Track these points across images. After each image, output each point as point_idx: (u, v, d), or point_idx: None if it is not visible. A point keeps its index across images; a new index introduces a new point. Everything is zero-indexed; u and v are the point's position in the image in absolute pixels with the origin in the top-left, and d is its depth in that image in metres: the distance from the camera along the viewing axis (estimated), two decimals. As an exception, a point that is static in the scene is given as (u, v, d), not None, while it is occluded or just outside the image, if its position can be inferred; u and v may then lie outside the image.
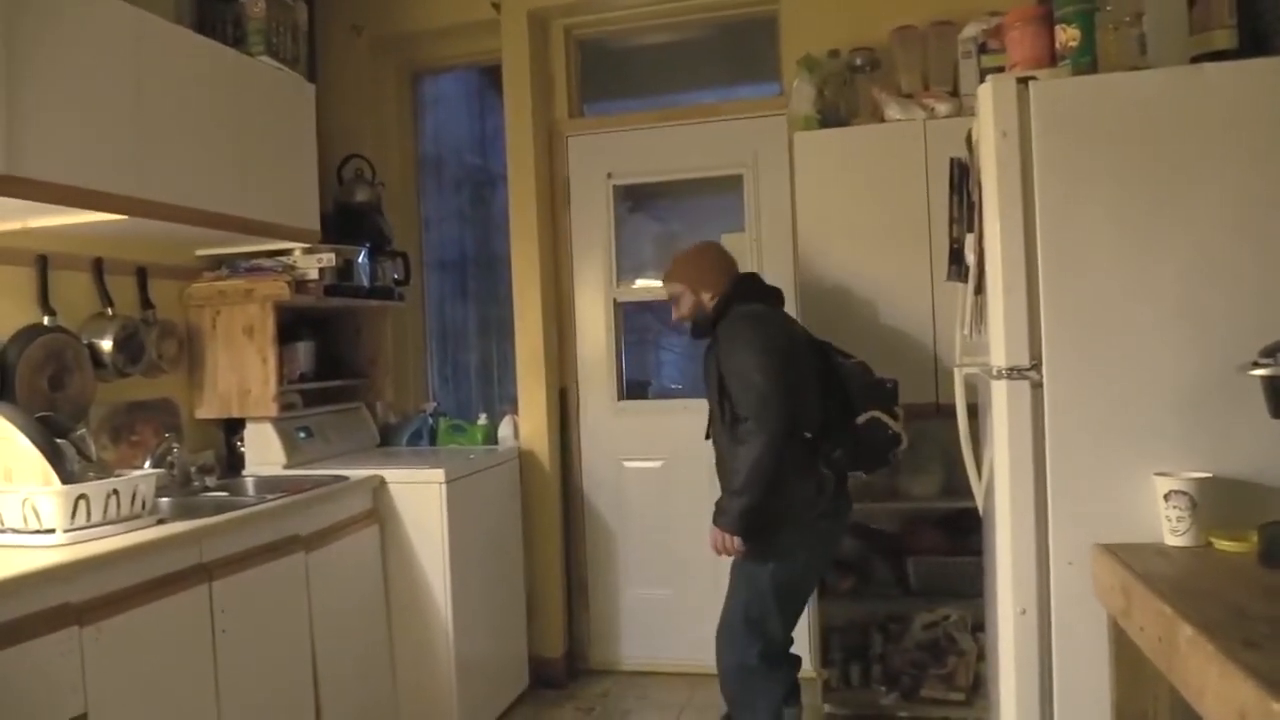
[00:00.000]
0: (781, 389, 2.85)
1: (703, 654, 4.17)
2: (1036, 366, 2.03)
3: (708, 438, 3.19)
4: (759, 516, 2.91)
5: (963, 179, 2.49)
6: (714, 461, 3.17)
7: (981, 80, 3.40)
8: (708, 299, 3.10)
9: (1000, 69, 2.70)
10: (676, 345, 5.09)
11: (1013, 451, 2.05)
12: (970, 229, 2.29)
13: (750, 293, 3.12)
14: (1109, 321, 2.01)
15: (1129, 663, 1.92)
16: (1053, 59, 2.14)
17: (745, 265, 4.17)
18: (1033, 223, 2.03)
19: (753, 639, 3.05)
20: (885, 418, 3.05)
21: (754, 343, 2.93)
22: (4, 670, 1.99)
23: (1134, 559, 1.83)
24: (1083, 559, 2.00)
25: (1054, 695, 2.04)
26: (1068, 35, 2.10)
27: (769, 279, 4.07)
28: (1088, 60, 2.08)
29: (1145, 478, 1.96)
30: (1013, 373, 2.04)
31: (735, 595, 3.09)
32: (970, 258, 2.33)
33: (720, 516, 2.96)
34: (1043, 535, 2.04)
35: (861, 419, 3.02)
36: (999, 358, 2.06)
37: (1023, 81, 2.04)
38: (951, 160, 2.54)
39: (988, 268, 2.12)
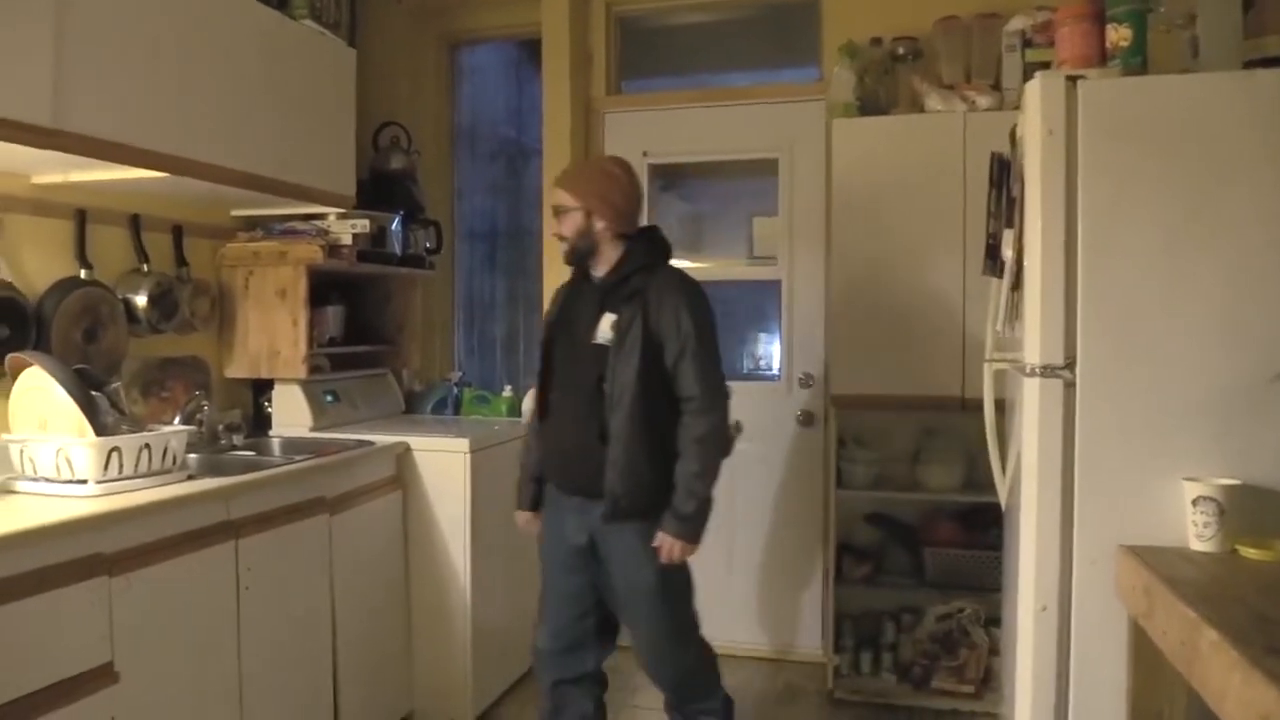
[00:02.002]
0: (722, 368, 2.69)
1: (711, 632, 4.20)
2: (1070, 365, 2.03)
3: (543, 417, 2.78)
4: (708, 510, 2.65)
5: (1003, 174, 2.48)
6: (563, 450, 2.74)
7: (1025, 75, 3.44)
8: (600, 228, 2.67)
9: (1045, 64, 2.70)
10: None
11: (1041, 449, 2.05)
12: (1009, 224, 2.28)
13: (669, 253, 2.80)
14: (1145, 324, 2.01)
15: (1146, 663, 1.93)
16: (1103, 58, 2.13)
17: (774, 249, 4.21)
18: (1074, 221, 2.02)
19: (692, 638, 2.84)
20: (731, 426, 2.83)
21: (711, 312, 2.69)
22: (36, 615, 2.03)
23: (1158, 562, 1.83)
24: (1105, 559, 2.01)
25: (1070, 692, 2.06)
26: (1119, 35, 2.09)
27: (799, 265, 4.14)
28: (1138, 61, 2.07)
29: (1173, 482, 1.96)
30: (1046, 370, 2.04)
31: (659, 610, 2.72)
32: (1008, 253, 2.32)
33: (680, 524, 2.60)
34: (1067, 533, 2.05)
35: None
36: (1033, 355, 2.06)
37: (1072, 79, 2.03)
38: (993, 155, 2.53)
39: (1026, 264, 2.12)
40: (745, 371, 4.77)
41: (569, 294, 2.82)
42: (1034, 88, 2.07)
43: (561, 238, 2.72)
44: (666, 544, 2.61)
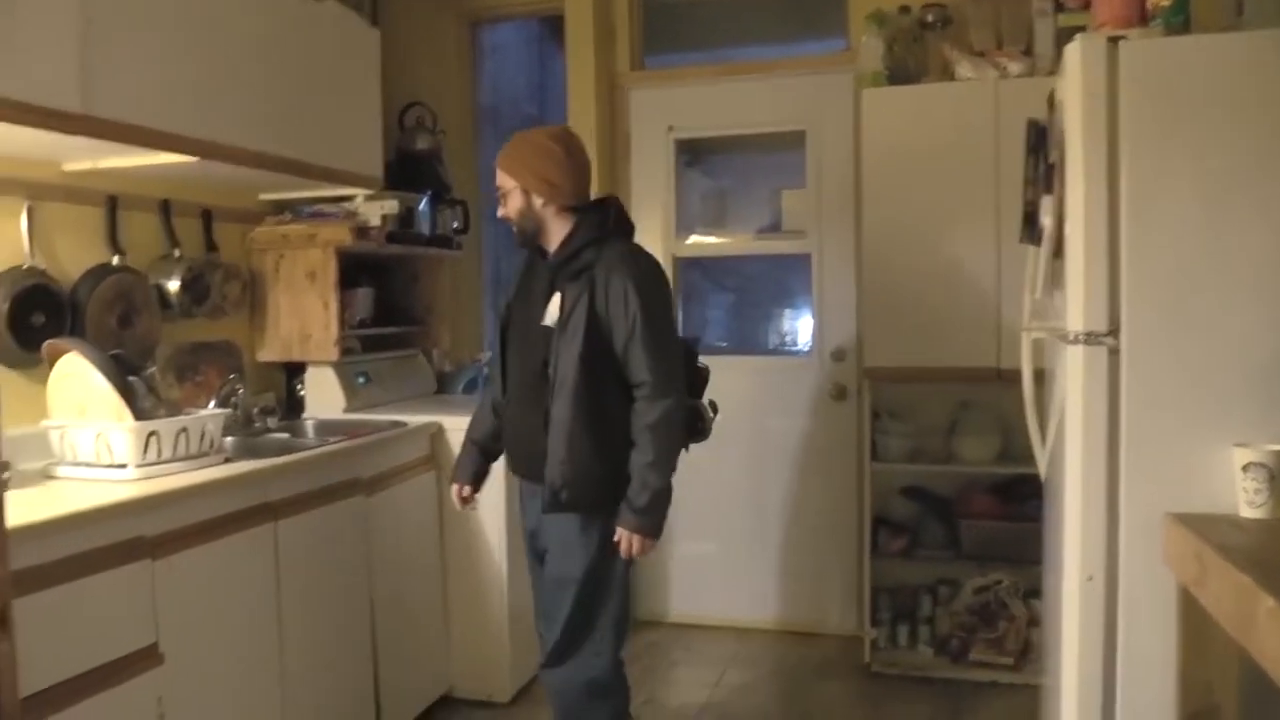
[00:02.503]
0: (680, 348, 2.58)
1: (747, 609, 4.24)
2: (1114, 332, 2.00)
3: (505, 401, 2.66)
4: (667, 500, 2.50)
5: (1040, 140, 2.44)
6: (514, 436, 2.65)
7: (1057, 40, 3.38)
8: (539, 205, 2.53)
9: (1079, 29, 2.63)
10: (722, 303, 5.07)
11: (1086, 418, 2.02)
12: (1048, 191, 2.25)
13: (627, 226, 2.63)
14: (1191, 289, 1.97)
15: (1196, 632, 1.90)
16: (1143, 18, 2.08)
17: (803, 223, 4.17)
18: (1117, 186, 1.98)
19: (615, 642, 2.62)
20: (704, 409, 2.73)
21: (663, 288, 2.55)
22: (81, 598, 2.05)
23: (1208, 529, 1.80)
24: (1153, 528, 1.98)
25: (1117, 662, 2.03)
26: (1161, -7, 2.04)
27: (829, 238, 4.10)
28: (1180, 20, 2.02)
29: (1221, 448, 1.93)
30: (1090, 338, 2.01)
31: (577, 606, 2.55)
32: (1046, 220, 2.28)
33: (635, 517, 2.45)
34: (1113, 502, 2.02)
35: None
36: (1076, 323, 2.03)
37: (1113, 41, 1.98)
38: (1029, 121, 2.49)
39: (1068, 231, 2.08)
40: (773, 347, 4.76)
41: (526, 272, 2.69)
42: (1074, 50, 2.03)
43: (507, 219, 2.60)
44: (624, 538, 2.47)
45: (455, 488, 2.83)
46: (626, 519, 2.46)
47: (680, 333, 2.81)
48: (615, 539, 2.49)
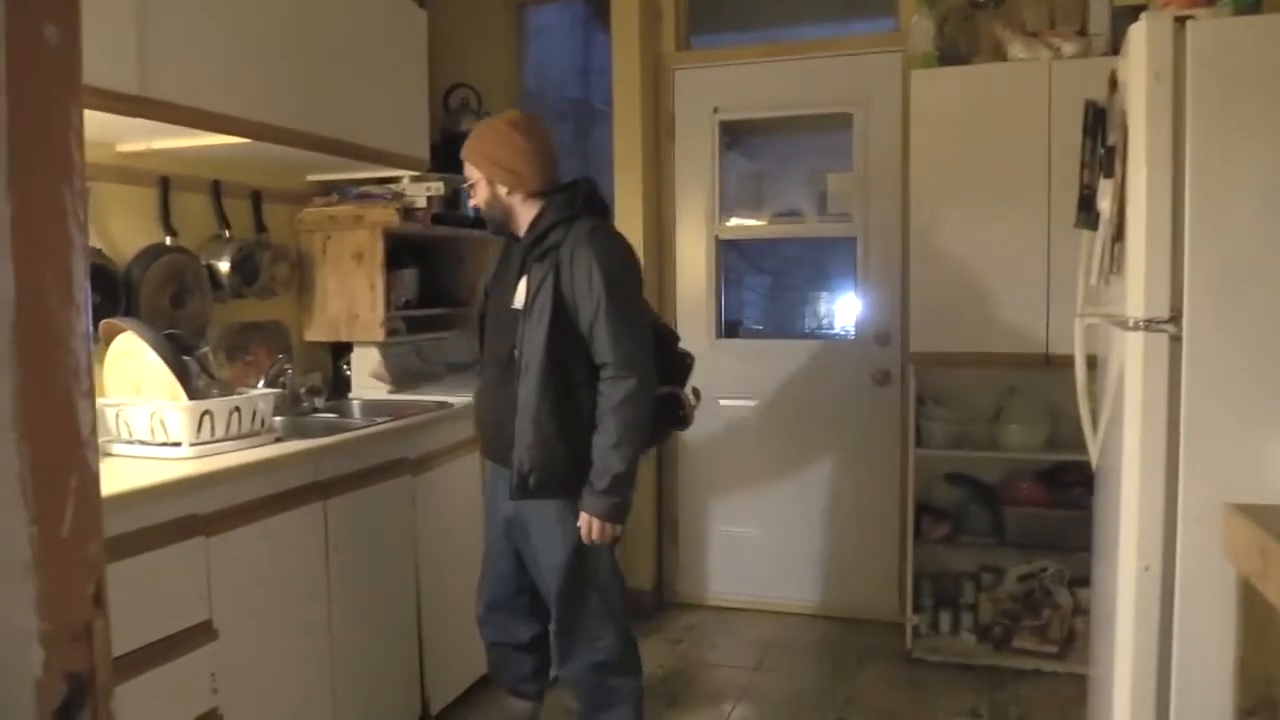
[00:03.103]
0: (649, 329, 2.57)
1: (789, 592, 4.23)
2: (1175, 319, 1.96)
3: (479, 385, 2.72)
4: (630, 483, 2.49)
5: (1098, 123, 2.40)
6: (484, 420, 2.68)
7: (1113, 20, 3.33)
8: (504, 193, 2.56)
9: (1137, 8, 2.58)
10: (759, 285, 5.05)
11: (1145, 405, 1.99)
12: (1109, 174, 2.21)
13: (597, 205, 2.62)
14: (1255, 276, 1.93)
15: (1256, 624, 1.87)
16: (1210, -2, 2.04)
17: (849, 206, 4.13)
18: (1181, 170, 1.94)
19: (614, 623, 2.64)
20: (686, 396, 2.72)
21: (630, 266, 2.55)
22: (136, 575, 2.08)
23: (1273, 521, 1.77)
24: (1212, 518, 1.95)
25: (1173, 653, 2.01)
26: (1229, -28, 1.99)
27: (875, 221, 4.06)
28: (1251, 0, 1.97)
29: (1284, 438, 1.90)
30: (1150, 325, 1.98)
31: (571, 590, 2.57)
32: (1104, 205, 2.25)
33: (596, 501, 2.44)
34: (1171, 492, 1.99)
35: (660, 390, 2.60)
36: (1136, 309, 1.99)
37: (1180, 20, 1.94)
38: (1087, 103, 2.44)
39: (1129, 215, 2.05)
40: (809, 330, 4.73)
41: (502, 257, 2.72)
42: (1139, 29, 1.98)
43: (478, 209, 2.65)
44: (585, 523, 2.46)
45: None
46: (588, 502, 2.46)
47: (675, 321, 2.82)
48: (578, 523, 2.49)
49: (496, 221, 2.62)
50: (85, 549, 0.65)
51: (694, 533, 4.42)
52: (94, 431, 0.67)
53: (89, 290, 0.65)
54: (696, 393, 2.74)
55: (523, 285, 2.51)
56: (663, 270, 4.38)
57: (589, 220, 2.52)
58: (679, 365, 2.72)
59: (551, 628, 2.65)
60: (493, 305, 2.67)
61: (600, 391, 2.45)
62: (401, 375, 3.71)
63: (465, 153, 2.61)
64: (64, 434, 0.65)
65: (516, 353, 2.48)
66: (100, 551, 0.67)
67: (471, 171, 2.60)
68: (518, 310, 2.50)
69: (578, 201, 2.54)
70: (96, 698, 0.66)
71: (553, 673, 2.78)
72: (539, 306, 2.42)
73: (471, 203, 2.66)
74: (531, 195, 2.55)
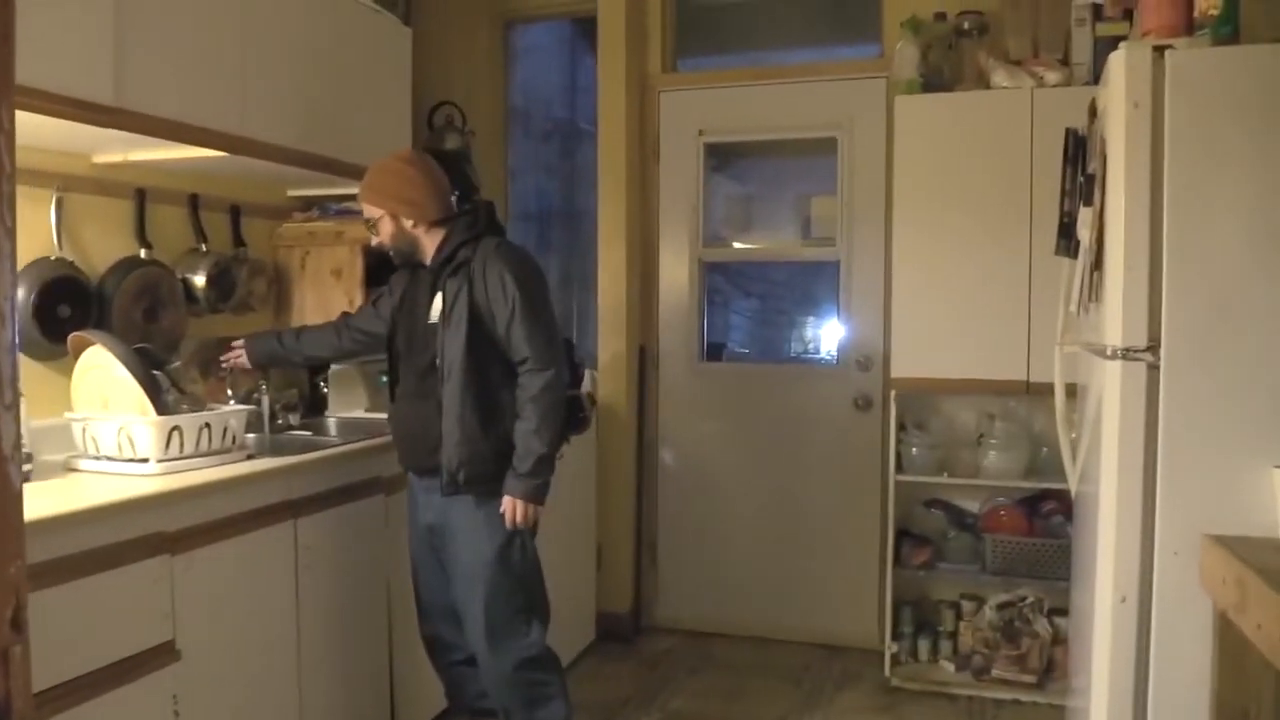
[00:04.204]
0: (558, 329, 2.74)
1: (767, 619, 4.20)
2: (1154, 348, 1.95)
3: (393, 402, 2.82)
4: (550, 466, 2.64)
5: (1079, 150, 2.40)
6: (406, 432, 2.77)
7: (1096, 50, 3.34)
8: (410, 226, 2.68)
9: (1118, 39, 2.60)
10: (745, 309, 5.04)
11: (1123, 435, 1.97)
12: (1088, 202, 2.20)
13: (496, 226, 2.80)
14: (1233, 306, 1.92)
15: (1233, 657, 1.85)
16: (1190, 27, 2.04)
17: (832, 230, 4.13)
18: (1160, 199, 1.93)
19: (539, 619, 2.75)
20: (584, 399, 2.86)
21: (537, 273, 2.72)
22: (100, 593, 2.04)
23: (1249, 552, 1.75)
24: (1189, 549, 1.93)
25: (1149, 684, 1.99)
26: (1208, 3, 2.00)
27: (858, 246, 4.06)
28: (1229, 30, 1.97)
29: (1262, 470, 1.88)
30: (1128, 353, 1.96)
31: (494, 586, 2.66)
32: (1084, 233, 2.24)
33: (519, 482, 2.59)
34: (1148, 522, 1.97)
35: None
36: (1114, 337, 1.98)
37: (1159, 50, 1.94)
38: (1068, 131, 2.45)
39: (1108, 243, 2.04)
40: (795, 355, 4.72)
41: (408, 281, 2.81)
42: (1118, 59, 1.98)
43: (383, 247, 2.75)
44: (509, 505, 2.60)
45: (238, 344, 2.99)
46: (511, 485, 2.60)
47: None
48: (501, 509, 2.60)
49: (404, 254, 2.74)
50: (3, 571, 0.62)
51: (672, 556, 4.39)
52: (17, 447, 0.64)
53: (15, 299, 0.62)
54: (591, 397, 2.87)
55: (438, 300, 2.67)
56: (646, 292, 4.37)
57: (493, 238, 2.71)
58: (574, 372, 2.84)
59: (477, 632, 2.69)
60: (403, 328, 2.78)
61: (520, 385, 2.61)
62: (379, 393, 3.67)
63: (364, 194, 2.72)
64: (-19, 450, 0.62)
65: (438, 360, 2.63)
66: (21, 573, 0.64)
67: (373, 210, 2.71)
68: (434, 324, 2.66)
69: (480, 222, 2.71)
70: (12, 728, 0.63)
71: (451, 665, 2.87)
72: (456, 316, 2.60)
73: (375, 241, 2.77)
74: (434, 224, 2.69)
